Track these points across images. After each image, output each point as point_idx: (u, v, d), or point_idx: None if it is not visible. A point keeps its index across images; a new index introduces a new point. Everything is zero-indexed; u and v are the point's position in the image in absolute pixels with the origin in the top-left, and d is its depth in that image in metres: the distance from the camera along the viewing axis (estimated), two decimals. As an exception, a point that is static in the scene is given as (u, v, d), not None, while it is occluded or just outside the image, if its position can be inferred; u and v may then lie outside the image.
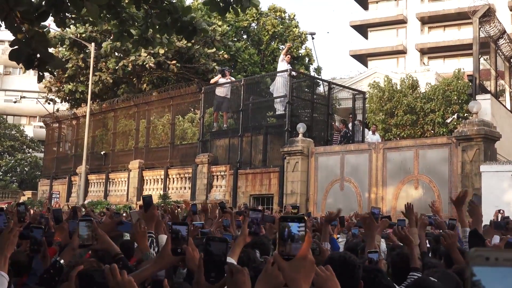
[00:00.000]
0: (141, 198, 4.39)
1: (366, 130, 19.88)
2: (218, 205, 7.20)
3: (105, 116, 26.40)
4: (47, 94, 32.53)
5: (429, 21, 46.85)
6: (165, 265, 3.00)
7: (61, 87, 30.42)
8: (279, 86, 18.33)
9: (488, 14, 17.78)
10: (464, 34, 41.03)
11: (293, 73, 18.95)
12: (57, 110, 31.33)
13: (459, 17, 42.62)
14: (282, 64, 18.83)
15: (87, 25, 25.90)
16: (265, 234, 5.67)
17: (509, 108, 20.44)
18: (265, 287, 2.07)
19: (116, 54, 28.12)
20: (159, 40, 8.15)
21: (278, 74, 18.62)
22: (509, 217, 10.31)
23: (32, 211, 10.84)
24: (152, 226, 4.23)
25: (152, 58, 26.25)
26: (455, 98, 24.69)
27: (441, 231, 6.44)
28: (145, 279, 2.89)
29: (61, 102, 32.64)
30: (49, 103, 33.06)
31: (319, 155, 16.64)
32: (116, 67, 26.99)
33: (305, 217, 1.91)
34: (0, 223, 3.55)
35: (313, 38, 28.61)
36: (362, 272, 3.30)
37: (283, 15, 34.53)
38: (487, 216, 11.01)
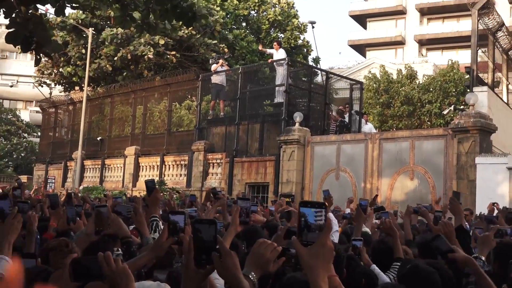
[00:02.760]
0: (144, 182, 4.40)
1: (363, 120, 19.90)
2: (210, 191, 7.23)
3: (102, 102, 26.34)
4: (41, 78, 32.38)
5: (429, 12, 46.77)
6: (161, 253, 3.02)
7: (56, 71, 30.28)
8: (279, 77, 18.38)
9: (487, 7, 17.75)
10: (463, 26, 40.98)
11: (290, 62, 18.93)
12: (50, 93, 31.21)
13: (458, 9, 42.55)
14: (277, 55, 18.78)
15: (87, 11, 25.75)
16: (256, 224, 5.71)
17: (505, 101, 20.48)
18: (253, 265, 2.12)
19: (116, 41, 28.02)
20: (162, 26, 8.14)
21: (278, 64, 18.59)
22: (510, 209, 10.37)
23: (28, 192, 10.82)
24: (156, 210, 4.25)
25: (151, 48, 26.12)
26: (453, 89, 24.73)
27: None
28: (141, 267, 2.90)
29: (55, 85, 32.50)
30: (42, 86, 32.91)
31: (315, 144, 16.67)
32: (115, 57, 26.86)
33: (325, 204, 1.91)
34: (6, 208, 3.56)
35: (313, 27, 28.49)
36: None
37: (283, 5, 34.39)
38: (482, 208, 11.09)
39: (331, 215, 5.85)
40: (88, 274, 2.27)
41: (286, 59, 18.38)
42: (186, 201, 9.66)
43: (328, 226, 1.83)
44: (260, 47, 21.90)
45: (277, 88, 18.51)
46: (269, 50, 20.02)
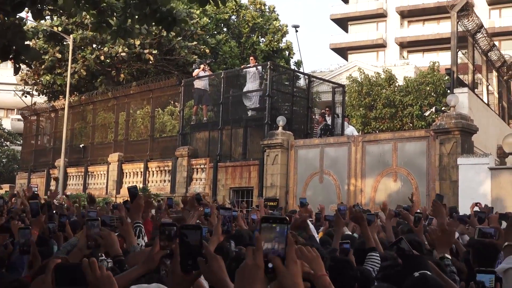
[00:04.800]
0: (127, 188, 4.36)
1: (346, 123, 19.99)
2: (194, 198, 7.18)
3: (84, 109, 26.15)
4: (24, 87, 32.04)
5: (409, 15, 47.22)
6: (153, 266, 2.97)
7: (38, 80, 30.00)
8: (250, 81, 18.57)
9: (466, 9, 17.95)
10: (443, 28, 41.41)
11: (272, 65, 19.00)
12: (35, 103, 30.92)
13: (438, 11, 43.01)
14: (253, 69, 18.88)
15: (63, 17, 25.56)
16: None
17: (485, 102, 20.71)
18: (244, 281, 1.82)
19: (93, 45, 27.85)
20: (138, 31, 8.10)
21: (248, 70, 18.71)
22: (492, 209, 10.45)
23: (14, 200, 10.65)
24: (139, 216, 4.22)
25: (126, 48, 26.02)
26: (430, 90, 24.93)
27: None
28: (132, 281, 2.86)
29: (39, 95, 32.19)
30: (25, 96, 32.59)
31: (298, 148, 16.70)
32: (91, 58, 26.72)
33: (287, 219, 1.81)
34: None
35: (296, 31, 28.49)
36: (330, 262, 3.32)
37: (263, 8, 34.47)
38: (465, 208, 11.17)
39: (308, 223, 5.84)
40: (72, 280, 2.23)
41: (269, 63, 18.45)
42: (162, 206, 9.56)
43: (291, 242, 1.78)
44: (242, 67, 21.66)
45: (253, 93, 18.59)
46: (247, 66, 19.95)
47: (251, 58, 19.74)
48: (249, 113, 18.99)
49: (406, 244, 3.84)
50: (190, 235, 2.21)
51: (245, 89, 18.84)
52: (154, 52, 26.58)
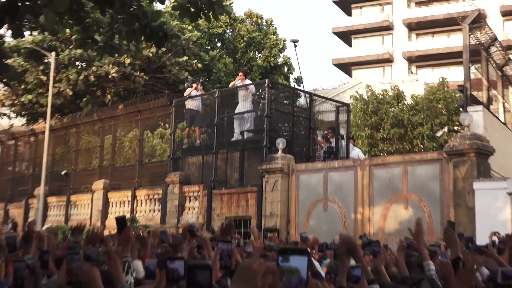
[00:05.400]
0: (115, 219, 4.31)
1: (351, 145, 19.98)
2: (187, 229, 7.10)
3: (67, 132, 26.13)
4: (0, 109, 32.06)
5: (417, 27, 47.61)
6: None
7: (16, 101, 30.02)
8: (243, 106, 18.54)
9: (479, 20, 18.09)
10: (454, 41, 41.77)
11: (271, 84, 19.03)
12: (11, 125, 30.92)
13: (448, 23, 43.38)
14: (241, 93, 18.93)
15: (46, 33, 25.70)
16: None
17: (502, 120, 20.74)
18: (238, 280, 1.99)
19: (78, 63, 27.93)
20: (126, 47, 8.12)
21: (241, 88, 18.71)
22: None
23: None
24: (128, 249, 4.16)
25: (116, 67, 26.11)
26: (441, 108, 25.01)
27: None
28: None
29: (16, 116, 32.19)
30: (1, 118, 32.58)
31: (300, 172, 16.65)
32: (78, 79, 26.78)
33: (307, 250, 1.84)
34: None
35: (295, 46, 28.60)
36: None
37: (260, 21, 34.73)
38: (482, 237, 11.10)
39: (313, 260, 5.80)
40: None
41: (266, 81, 18.48)
42: (149, 238, 9.40)
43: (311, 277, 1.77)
44: (230, 85, 21.12)
45: (247, 114, 18.59)
46: (235, 83, 19.67)
47: (240, 74, 19.63)
48: (245, 135, 18.96)
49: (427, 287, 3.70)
50: (199, 275, 2.18)
51: (237, 110, 18.80)
52: (145, 77, 26.68)
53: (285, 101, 20.58)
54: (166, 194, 19.38)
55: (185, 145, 20.34)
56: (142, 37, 7.65)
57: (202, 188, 18.49)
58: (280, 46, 34.19)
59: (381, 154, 24.14)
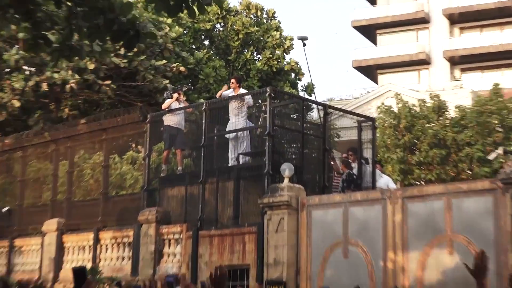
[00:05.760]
0: (72, 270, 4.29)
1: (378, 171, 19.98)
2: (166, 284, 7.06)
3: (10, 157, 26.13)
4: None
5: (461, 19, 47.81)
6: None
7: None
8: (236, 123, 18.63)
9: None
10: (508, 37, 41.94)
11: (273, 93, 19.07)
12: None
13: (500, 14, 43.67)
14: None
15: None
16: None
17: None
18: None
19: (26, 68, 27.98)
20: (88, 49, 8.13)
21: (231, 99, 18.77)
22: None
23: None
24: None
25: (76, 75, 26.14)
26: (495, 123, 25.04)
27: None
28: None
29: None
30: None
31: (313, 208, 16.60)
32: (25, 87, 26.80)
33: None
34: None
35: (304, 45, 28.70)
36: None
37: (259, 13, 34.90)
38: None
39: None
40: None
41: (268, 89, 18.48)
42: None
43: None
44: (218, 94, 20.96)
45: (242, 133, 18.62)
46: (224, 92, 19.67)
47: (232, 80, 19.68)
48: (241, 159, 18.95)
49: None
50: None
51: (229, 127, 18.79)
52: (113, 86, 26.71)
53: (292, 115, 20.61)
54: (138, 236, 19.31)
55: (163, 173, 20.31)
56: (108, 36, 7.66)
57: (185, 228, 18.43)
58: (286, 46, 34.30)
59: (418, 183, 24.12)
